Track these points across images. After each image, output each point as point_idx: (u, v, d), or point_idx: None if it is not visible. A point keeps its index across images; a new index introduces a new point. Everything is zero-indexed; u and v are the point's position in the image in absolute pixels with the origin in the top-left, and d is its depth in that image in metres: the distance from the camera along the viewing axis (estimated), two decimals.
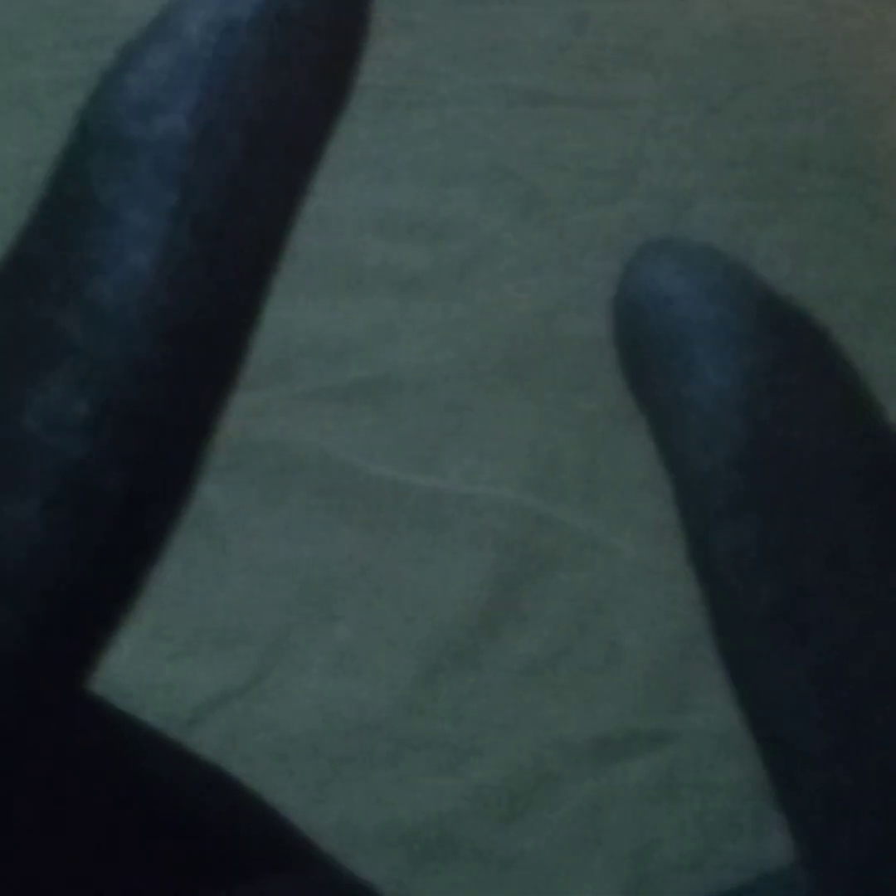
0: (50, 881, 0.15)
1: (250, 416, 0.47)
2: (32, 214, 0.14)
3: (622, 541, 0.45)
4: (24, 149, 0.52)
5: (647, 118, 0.54)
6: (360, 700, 0.43)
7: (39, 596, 0.13)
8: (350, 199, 0.52)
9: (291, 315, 0.49)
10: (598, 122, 0.54)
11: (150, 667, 0.42)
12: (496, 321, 0.50)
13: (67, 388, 0.13)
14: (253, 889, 0.16)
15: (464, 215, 0.52)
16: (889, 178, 0.53)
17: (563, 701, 0.43)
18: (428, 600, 0.44)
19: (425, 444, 0.47)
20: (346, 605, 0.44)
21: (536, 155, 0.53)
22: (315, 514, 0.46)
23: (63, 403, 0.13)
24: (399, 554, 0.45)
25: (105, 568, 0.13)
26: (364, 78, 0.15)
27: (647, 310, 0.14)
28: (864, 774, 0.13)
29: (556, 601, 0.44)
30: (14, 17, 0.56)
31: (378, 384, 0.48)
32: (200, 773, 0.17)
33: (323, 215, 0.52)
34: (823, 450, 0.14)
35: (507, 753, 0.42)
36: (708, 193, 0.52)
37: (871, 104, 0.55)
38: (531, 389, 0.48)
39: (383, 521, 0.46)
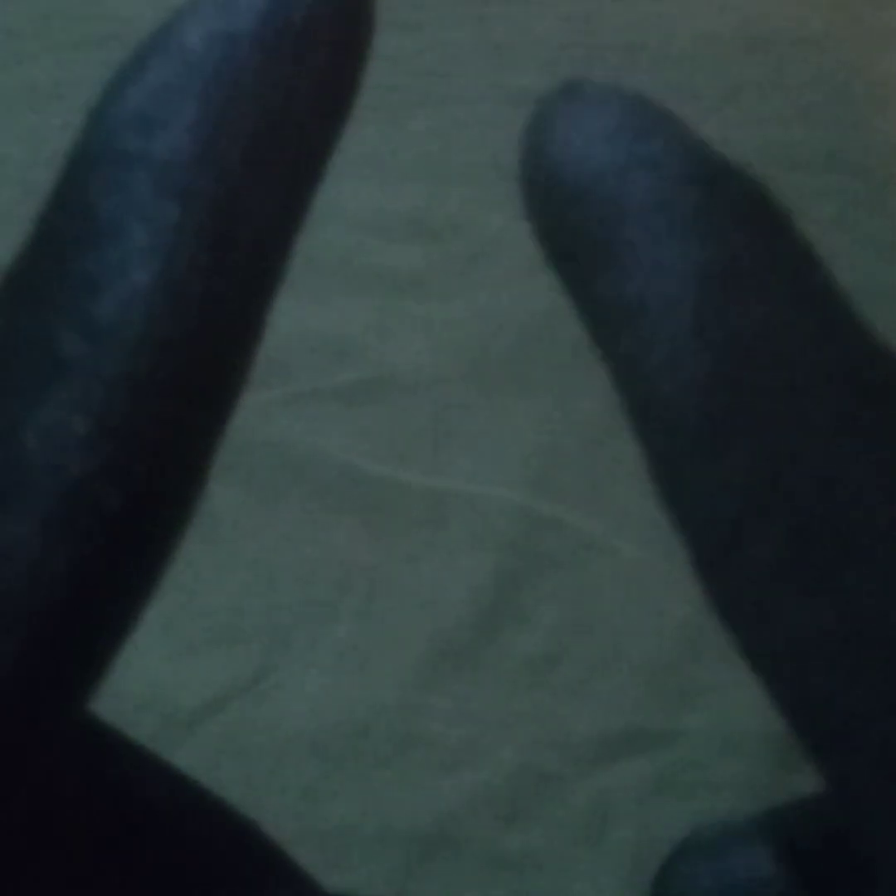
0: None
1: (250, 416, 0.47)
2: (32, 229, 0.14)
3: (622, 541, 0.45)
4: (24, 149, 0.52)
5: None
6: (360, 700, 0.43)
7: (37, 615, 0.13)
8: (350, 199, 0.52)
9: (291, 315, 0.49)
10: None
11: (150, 667, 0.42)
12: (496, 321, 0.50)
13: (66, 405, 0.13)
14: None
15: (464, 215, 0.52)
16: (889, 178, 0.53)
17: (563, 701, 0.43)
18: (428, 600, 0.44)
19: (425, 444, 0.47)
20: (346, 605, 0.44)
21: None
22: (315, 514, 0.46)
23: (62, 420, 0.13)
24: (399, 554, 0.45)
25: (105, 587, 0.13)
26: (364, 77, 0.15)
27: (568, 184, 0.13)
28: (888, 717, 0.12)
29: (556, 601, 0.44)
30: (15, 17, 0.57)
31: (378, 384, 0.48)
32: (183, 790, 0.17)
33: (323, 215, 0.52)
34: (797, 366, 0.12)
35: (507, 753, 0.42)
36: None
37: (870, 104, 0.55)
38: (531, 389, 0.48)
39: (383, 521, 0.46)
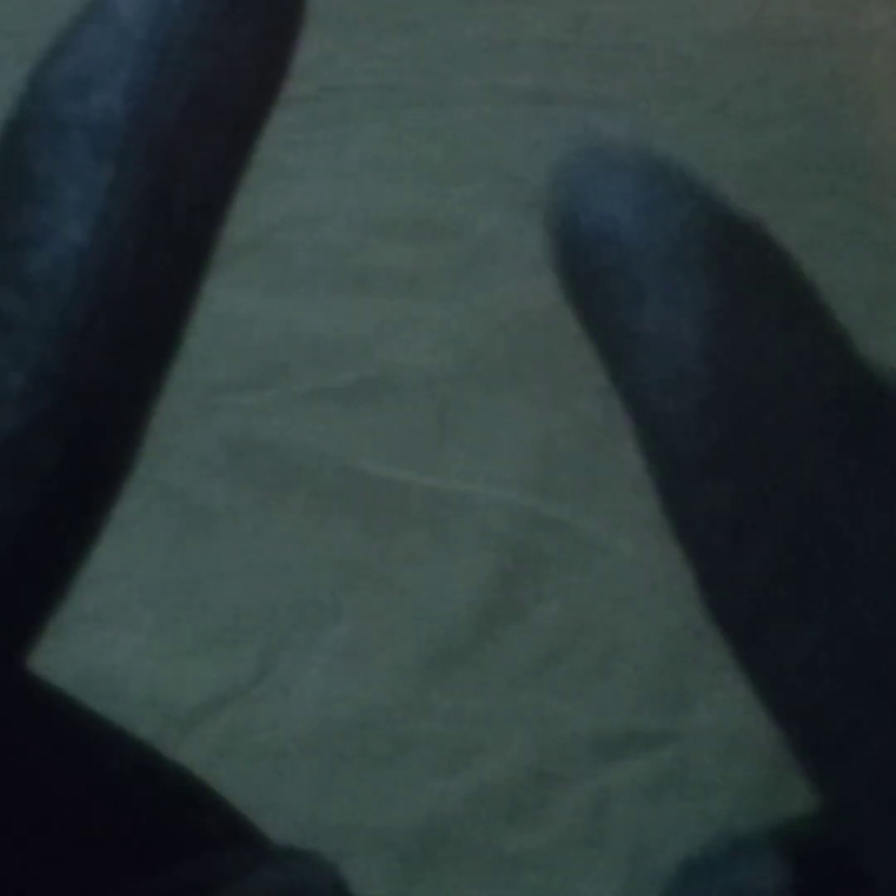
0: None
1: (250, 416, 0.47)
2: None
3: (622, 541, 0.45)
4: None
5: (647, 118, 0.54)
6: (360, 700, 0.43)
7: None
8: (350, 199, 0.52)
9: (291, 315, 0.49)
10: (598, 122, 0.54)
11: (150, 667, 0.42)
12: (496, 321, 0.50)
13: (3, 360, 0.13)
14: (199, 864, 0.16)
15: (464, 215, 0.52)
16: (889, 178, 0.53)
17: (563, 701, 0.43)
18: (428, 600, 0.44)
19: (425, 444, 0.47)
20: (346, 605, 0.44)
21: (536, 155, 0.53)
22: (315, 515, 0.46)
23: None
24: (399, 554, 0.45)
25: (42, 539, 0.13)
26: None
27: (587, 233, 0.13)
28: (888, 735, 0.13)
29: (556, 601, 0.44)
30: (17, 18, 0.57)
31: (378, 384, 0.48)
32: (141, 755, 0.17)
33: (323, 215, 0.52)
34: (794, 390, 0.13)
35: (507, 753, 0.42)
36: None
37: (871, 104, 0.55)
38: (531, 389, 0.48)
39: (383, 521, 0.46)
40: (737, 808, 0.41)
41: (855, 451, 0.13)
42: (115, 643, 0.42)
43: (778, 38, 0.57)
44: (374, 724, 0.42)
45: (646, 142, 0.15)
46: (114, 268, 0.13)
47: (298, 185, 0.51)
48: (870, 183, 0.53)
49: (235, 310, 0.48)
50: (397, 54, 0.54)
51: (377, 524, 0.46)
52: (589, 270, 0.13)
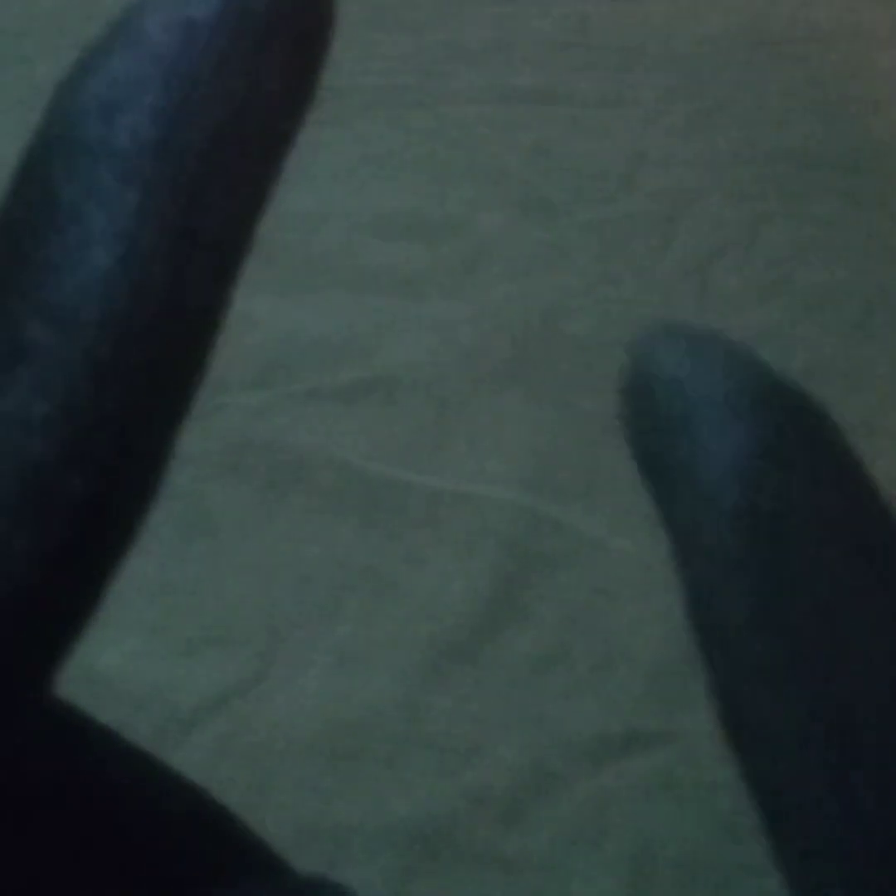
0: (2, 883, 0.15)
1: (250, 416, 0.47)
2: None
3: (622, 541, 0.45)
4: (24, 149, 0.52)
5: (647, 118, 0.54)
6: (360, 700, 0.43)
7: (0, 596, 0.13)
8: (350, 199, 0.52)
9: (291, 315, 0.49)
10: (598, 122, 0.54)
11: (150, 667, 0.42)
12: (496, 321, 0.50)
13: (28, 389, 0.13)
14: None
15: (464, 215, 0.52)
16: (889, 178, 0.53)
17: (563, 701, 0.43)
18: (428, 600, 0.44)
19: (425, 444, 0.47)
20: (347, 605, 0.44)
21: (536, 155, 0.53)
22: (315, 514, 0.46)
23: (23, 404, 0.13)
24: (399, 554, 0.45)
25: (65, 569, 0.13)
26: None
27: (656, 391, 0.15)
28: (859, 817, 0.13)
29: (556, 601, 0.44)
30: (16, 18, 0.57)
31: (378, 384, 0.48)
32: (161, 778, 0.17)
33: (323, 215, 0.52)
34: (818, 514, 0.14)
35: (507, 753, 0.42)
36: (708, 193, 0.52)
37: (870, 104, 0.55)
38: (531, 389, 0.48)
39: (383, 521, 0.46)
40: (737, 808, 0.41)
41: (870, 571, 0.14)
42: (115, 643, 0.42)
43: (778, 38, 0.57)
44: (374, 724, 0.42)
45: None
46: (141, 296, 0.13)
47: (298, 185, 0.51)
48: (871, 183, 0.53)
49: (235, 310, 0.48)
50: (397, 54, 0.54)
51: (377, 524, 0.46)
52: (654, 420, 0.15)
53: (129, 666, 0.42)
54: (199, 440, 0.46)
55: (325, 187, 0.52)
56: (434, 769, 0.42)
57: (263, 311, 0.49)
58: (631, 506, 0.44)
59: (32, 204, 0.13)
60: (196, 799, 0.17)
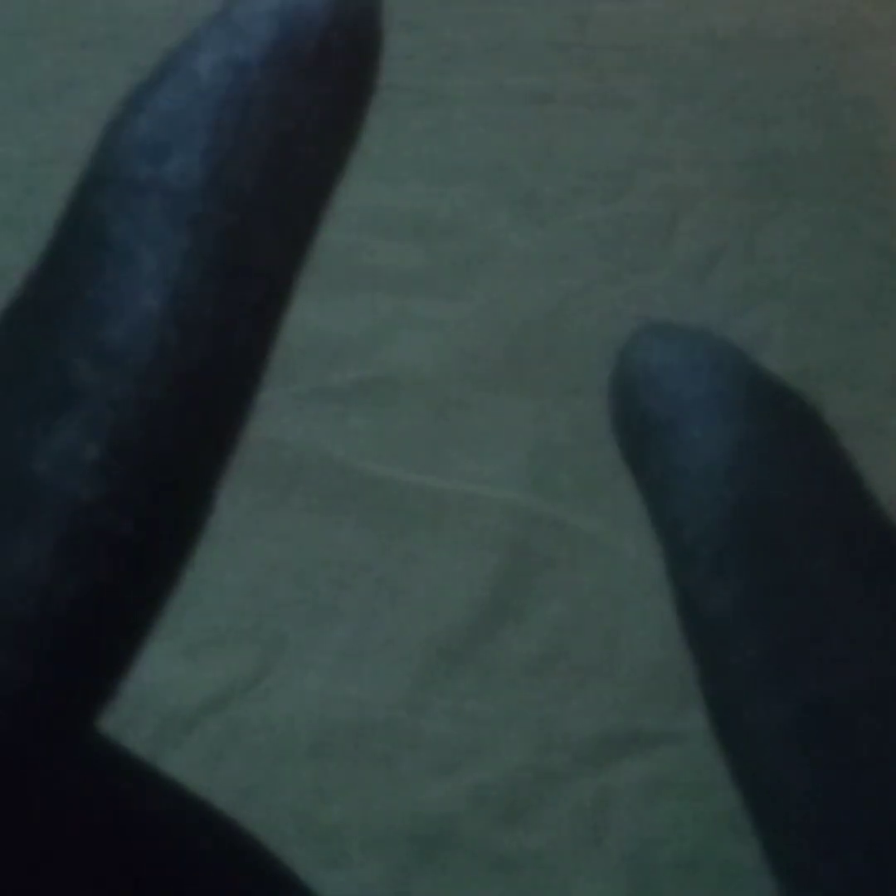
0: None
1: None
2: (43, 255, 0.14)
3: (622, 541, 0.45)
4: (26, 148, 0.52)
5: (647, 118, 0.54)
6: (360, 700, 0.43)
7: (48, 639, 0.13)
8: (350, 199, 0.51)
9: (291, 315, 0.49)
10: (598, 122, 0.54)
11: (151, 667, 0.42)
12: (496, 321, 0.50)
13: (78, 430, 0.13)
14: None
15: (464, 215, 0.52)
16: (889, 178, 0.53)
17: (563, 701, 0.43)
18: (428, 600, 0.44)
19: (425, 444, 0.47)
20: (346, 605, 0.44)
21: (536, 155, 0.53)
22: (315, 514, 0.46)
23: (73, 446, 0.13)
24: (399, 554, 0.45)
25: (114, 610, 0.13)
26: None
27: (642, 387, 0.15)
28: (846, 811, 0.13)
29: (556, 601, 0.44)
30: (16, 17, 0.57)
31: (378, 384, 0.48)
32: (185, 804, 0.17)
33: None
34: (806, 513, 0.14)
35: (507, 753, 0.42)
36: (708, 193, 0.52)
37: (870, 104, 0.55)
38: (531, 389, 0.48)
39: (383, 521, 0.46)
40: (737, 808, 0.41)
41: (857, 566, 0.14)
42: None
43: (778, 38, 0.57)
44: (374, 724, 0.42)
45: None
46: (189, 336, 0.13)
47: None
48: (870, 183, 0.53)
49: None
50: (397, 54, 0.54)
51: (377, 524, 0.46)
52: (642, 419, 0.15)
53: None
54: None
55: None
56: (434, 769, 0.42)
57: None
58: (631, 506, 0.44)
59: (81, 243, 0.13)
60: (229, 831, 0.17)
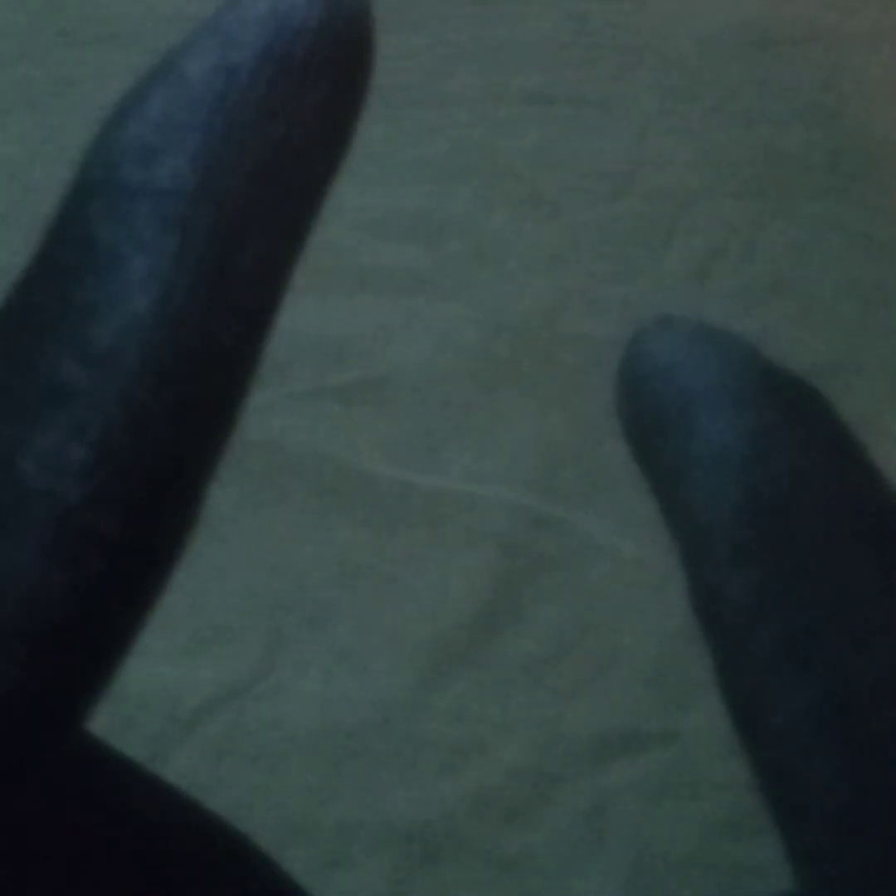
0: None
1: (249, 415, 0.47)
2: (33, 257, 0.14)
3: (622, 541, 0.45)
4: (23, 148, 0.52)
5: (647, 118, 0.54)
6: (360, 700, 0.43)
7: (33, 640, 0.13)
8: (350, 199, 0.52)
9: (291, 315, 0.49)
10: (598, 122, 0.54)
11: (151, 667, 0.42)
12: (496, 321, 0.49)
13: (65, 432, 0.13)
14: None
15: (464, 215, 0.52)
16: (888, 178, 0.53)
17: (563, 701, 0.43)
18: (428, 600, 0.44)
19: (425, 444, 0.47)
20: (346, 605, 0.44)
21: (536, 155, 0.53)
22: (315, 514, 0.46)
23: (60, 447, 0.13)
24: (399, 554, 0.45)
25: (102, 611, 0.13)
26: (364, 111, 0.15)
27: (651, 379, 0.15)
28: (868, 798, 0.13)
29: (556, 601, 0.44)
30: (13, 16, 0.56)
31: (378, 384, 0.48)
32: (178, 807, 0.17)
33: (323, 215, 0.52)
34: (823, 500, 0.14)
35: (507, 753, 0.42)
36: (708, 193, 0.52)
37: (870, 104, 0.55)
38: (531, 389, 0.48)
39: (383, 521, 0.46)
40: (737, 808, 0.41)
41: (874, 554, 0.14)
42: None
43: (778, 38, 0.57)
44: (374, 724, 0.42)
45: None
46: (177, 338, 0.13)
47: None
48: (870, 183, 0.53)
49: None
50: (397, 54, 0.54)
51: (377, 524, 0.46)
52: (652, 411, 0.15)
53: (128, 666, 0.42)
54: None
55: None
56: (434, 769, 0.42)
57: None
58: (632, 506, 0.44)
59: (71, 245, 0.13)
60: (222, 833, 0.17)
